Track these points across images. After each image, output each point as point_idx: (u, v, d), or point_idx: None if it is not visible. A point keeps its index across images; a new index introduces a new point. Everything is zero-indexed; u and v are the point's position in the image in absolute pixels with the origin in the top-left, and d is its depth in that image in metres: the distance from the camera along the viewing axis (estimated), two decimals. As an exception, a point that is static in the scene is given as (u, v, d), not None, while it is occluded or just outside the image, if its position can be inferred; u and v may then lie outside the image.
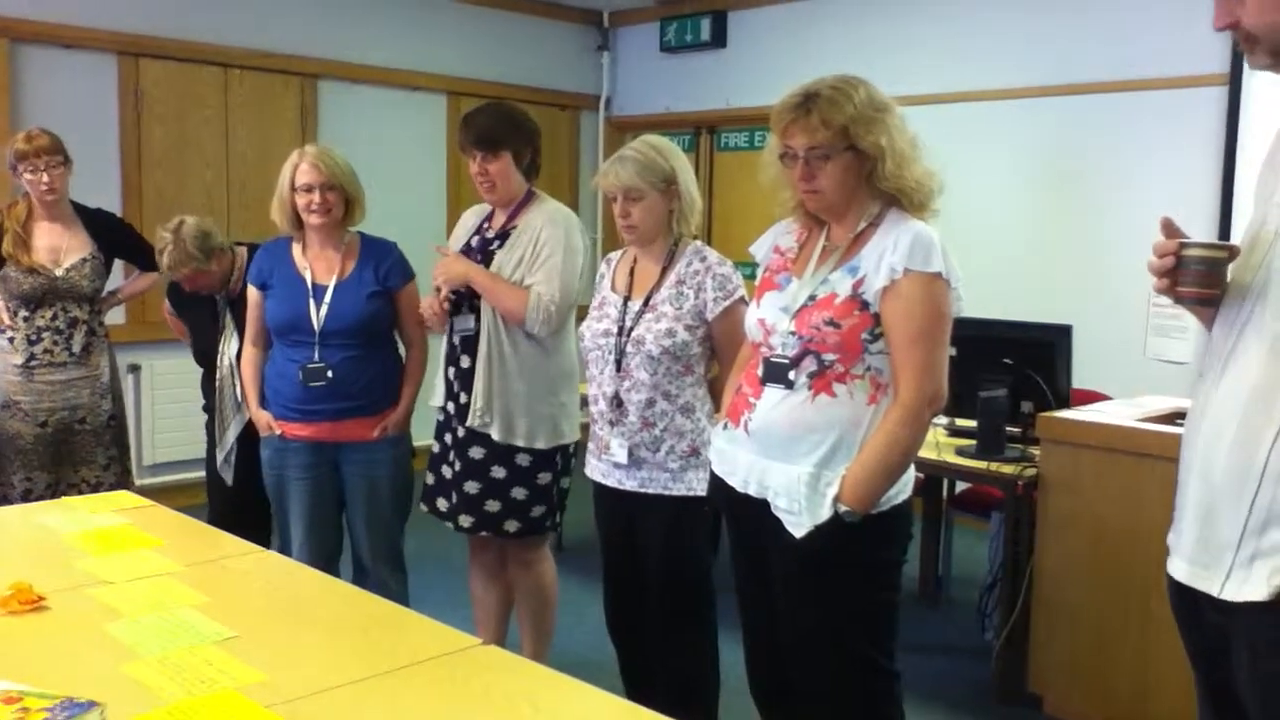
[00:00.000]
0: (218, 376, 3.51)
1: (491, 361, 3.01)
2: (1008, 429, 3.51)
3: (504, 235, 3.09)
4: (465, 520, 3.09)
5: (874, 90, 2.19)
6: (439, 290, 3.09)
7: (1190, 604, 1.68)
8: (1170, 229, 1.68)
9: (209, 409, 3.73)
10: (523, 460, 3.05)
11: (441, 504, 3.17)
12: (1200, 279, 1.63)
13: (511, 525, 3.09)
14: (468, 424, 3.03)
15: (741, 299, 2.66)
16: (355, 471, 3.17)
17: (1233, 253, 1.64)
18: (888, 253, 2.13)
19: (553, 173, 6.77)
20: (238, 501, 3.50)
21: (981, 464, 3.43)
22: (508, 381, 3.01)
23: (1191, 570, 1.66)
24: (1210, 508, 1.62)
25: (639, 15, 7.01)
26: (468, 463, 3.07)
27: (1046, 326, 3.69)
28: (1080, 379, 3.74)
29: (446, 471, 3.15)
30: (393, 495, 3.23)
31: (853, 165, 2.16)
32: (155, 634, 1.80)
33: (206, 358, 3.62)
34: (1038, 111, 5.29)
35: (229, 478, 3.53)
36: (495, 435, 3.01)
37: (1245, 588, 1.56)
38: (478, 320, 3.04)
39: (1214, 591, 1.60)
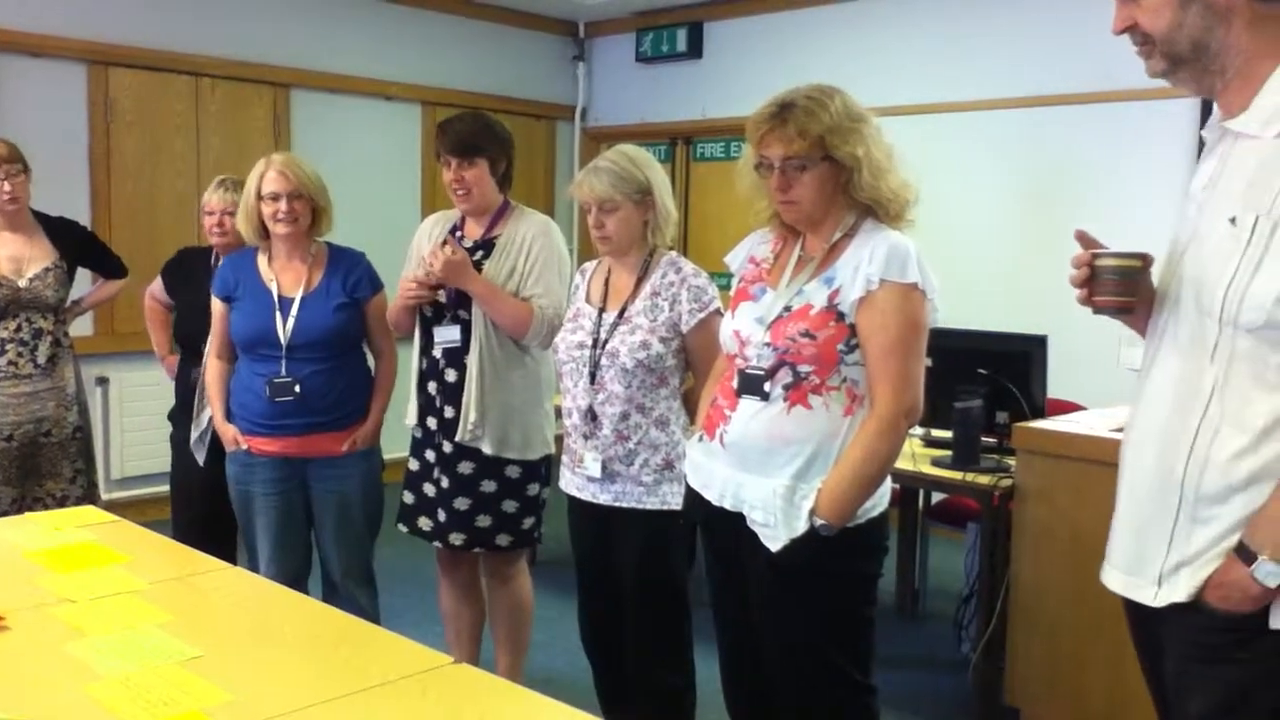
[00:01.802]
0: (205, 355, 3.47)
1: (484, 374, 2.97)
2: (983, 439, 3.51)
3: (486, 246, 3.06)
4: (456, 538, 3.05)
5: (850, 100, 2.18)
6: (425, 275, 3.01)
7: (1138, 617, 1.71)
8: (1086, 240, 1.73)
9: (174, 415, 3.69)
10: (513, 472, 3.03)
11: (424, 523, 3.12)
12: (1115, 288, 1.67)
13: (504, 539, 3.06)
14: (457, 439, 2.99)
15: (717, 311, 2.64)
16: (324, 487, 3.12)
17: (1146, 261, 1.69)
18: (864, 263, 2.12)
19: (528, 183, 6.76)
20: (203, 511, 3.46)
21: (957, 475, 3.42)
22: (501, 394, 2.98)
23: (1126, 580, 1.70)
24: (1139, 517, 1.66)
25: (615, 26, 7.00)
26: (456, 478, 3.03)
27: (1022, 337, 3.69)
28: (1056, 389, 3.75)
29: (429, 489, 3.11)
30: (363, 510, 3.18)
31: (829, 175, 2.15)
32: (118, 654, 1.76)
33: (190, 341, 3.58)
34: (1014, 123, 5.31)
35: (201, 457, 3.47)
36: (488, 449, 2.98)
37: (1171, 593, 1.60)
38: (464, 332, 3.00)
39: (1146, 600, 1.64)
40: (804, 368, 2.14)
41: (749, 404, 2.19)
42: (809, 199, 2.16)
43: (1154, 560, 1.62)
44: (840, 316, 2.13)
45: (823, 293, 2.15)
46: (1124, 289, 1.67)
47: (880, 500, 2.22)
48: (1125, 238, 1.78)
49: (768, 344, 2.17)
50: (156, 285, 3.87)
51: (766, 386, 2.16)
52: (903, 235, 2.17)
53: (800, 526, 2.12)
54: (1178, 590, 1.59)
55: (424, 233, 3.22)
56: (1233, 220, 1.52)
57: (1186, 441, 1.57)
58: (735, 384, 2.22)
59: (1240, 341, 1.52)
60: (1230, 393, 1.53)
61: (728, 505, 2.24)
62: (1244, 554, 1.52)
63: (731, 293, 2.36)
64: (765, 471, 2.16)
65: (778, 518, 2.14)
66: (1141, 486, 1.66)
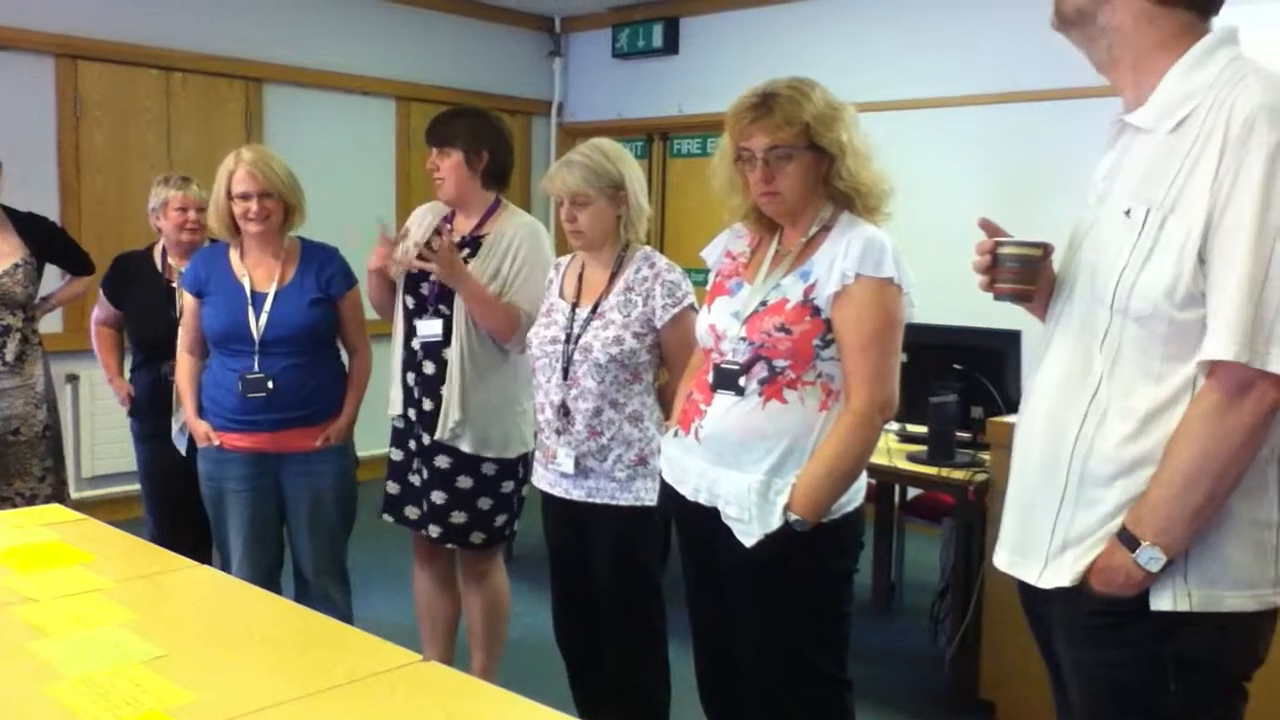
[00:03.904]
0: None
1: (465, 372, 2.96)
2: (958, 434, 3.52)
3: (473, 243, 3.04)
4: (434, 530, 3.04)
5: (827, 91, 2.19)
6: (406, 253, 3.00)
7: (1029, 595, 1.75)
8: (990, 228, 1.78)
9: (140, 410, 3.64)
10: (489, 469, 3.02)
11: (411, 512, 3.11)
12: (1015, 276, 1.72)
13: (477, 537, 3.05)
14: (437, 437, 2.97)
15: (690, 306, 2.63)
16: (297, 483, 3.09)
17: (1046, 250, 1.74)
18: (839, 258, 2.11)
19: (504, 179, 6.71)
20: (181, 509, 3.42)
21: (932, 469, 3.42)
22: (481, 393, 2.97)
23: (1011, 559, 1.74)
24: (1028, 499, 1.70)
25: (591, 21, 6.98)
26: (434, 472, 3.02)
27: (996, 332, 3.70)
28: (1030, 384, 3.75)
29: (414, 479, 3.09)
30: (336, 507, 3.16)
31: (812, 165, 2.14)
32: (80, 654, 1.73)
33: (148, 343, 3.54)
34: (989, 118, 5.32)
35: (183, 447, 3.44)
36: (467, 448, 2.97)
37: (1056, 575, 1.64)
38: (446, 328, 2.98)
39: (1031, 579, 1.69)
40: (779, 362, 2.13)
41: (724, 399, 2.18)
42: (792, 189, 2.15)
43: (1040, 541, 1.66)
44: (816, 311, 2.12)
45: (798, 287, 2.14)
46: (1023, 277, 1.72)
47: (855, 496, 2.21)
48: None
49: (743, 338, 2.16)
50: (101, 310, 3.79)
51: (742, 381, 2.15)
52: (879, 229, 2.16)
53: (774, 522, 2.11)
54: (1062, 574, 1.63)
55: (415, 220, 3.21)
56: (1127, 212, 1.57)
57: (1074, 425, 1.61)
58: (710, 378, 2.21)
59: (1129, 330, 1.57)
60: (1117, 380, 1.58)
61: (703, 500, 2.22)
62: (1126, 539, 1.56)
63: (708, 287, 2.34)
64: (740, 466, 2.15)
65: (752, 513, 2.13)
66: (1030, 468, 1.70)
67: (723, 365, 2.19)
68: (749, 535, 2.14)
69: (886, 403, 2.13)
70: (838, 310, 2.11)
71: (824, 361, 2.13)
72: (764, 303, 2.17)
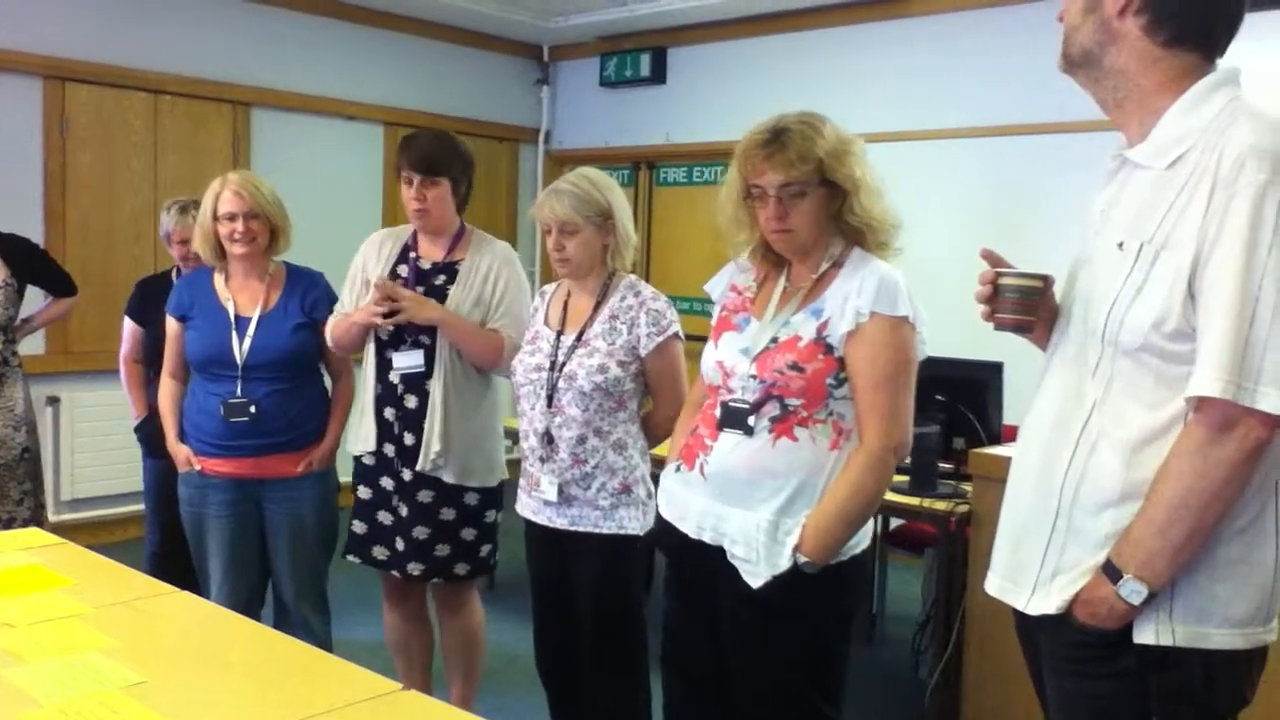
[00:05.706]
0: None
1: (448, 403, 2.93)
2: (940, 465, 3.53)
3: (448, 270, 3.01)
4: (415, 567, 2.98)
5: (837, 125, 2.16)
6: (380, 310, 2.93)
7: (1022, 623, 1.76)
8: (992, 259, 1.80)
9: (148, 423, 3.60)
10: (471, 499, 2.99)
11: (379, 552, 3.04)
12: (1015, 306, 1.75)
13: (461, 568, 3.01)
14: (418, 468, 2.93)
15: (675, 335, 2.64)
16: (279, 509, 3.08)
17: (1047, 282, 1.76)
18: (853, 295, 2.08)
19: (491, 205, 6.74)
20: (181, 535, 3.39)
21: (914, 500, 3.43)
22: (464, 422, 2.95)
23: (1002, 585, 1.75)
24: (1020, 525, 1.72)
25: (579, 50, 7.02)
26: (416, 507, 2.97)
27: (979, 364, 3.72)
28: (1012, 415, 3.77)
29: (384, 517, 3.04)
30: (318, 533, 3.14)
31: (825, 201, 2.12)
32: (58, 680, 1.71)
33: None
34: (975, 151, 5.37)
35: None
36: (449, 479, 2.94)
37: (1044, 602, 1.65)
38: (427, 358, 2.95)
39: (1019, 606, 1.70)
40: (792, 401, 2.09)
41: (731, 435, 2.13)
42: (805, 226, 2.12)
43: (1031, 568, 1.68)
44: (829, 349, 2.09)
45: (811, 324, 2.11)
46: (1023, 308, 1.74)
47: (864, 537, 2.17)
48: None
49: (754, 376, 2.11)
50: (128, 344, 3.75)
51: (751, 420, 2.10)
52: (891, 266, 2.14)
53: (783, 563, 2.06)
54: (1049, 602, 1.64)
55: (371, 249, 3.10)
56: (1120, 245, 1.59)
57: (1066, 453, 1.63)
58: (718, 415, 2.16)
59: (1120, 362, 1.59)
60: (1108, 410, 1.60)
61: (706, 538, 2.17)
62: (1110, 572, 1.57)
63: (713, 322, 2.31)
64: (747, 504, 2.10)
65: (760, 553, 2.08)
66: (1024, 495, 1.72)
67: (731, 403, 2.14)
68: (756, 576, 2.09)
69: (901, 443, 2.10)
70: (851, 348, 2.08)
71: (836, 400, 2.10)
72: (775, 340, 2.13)
